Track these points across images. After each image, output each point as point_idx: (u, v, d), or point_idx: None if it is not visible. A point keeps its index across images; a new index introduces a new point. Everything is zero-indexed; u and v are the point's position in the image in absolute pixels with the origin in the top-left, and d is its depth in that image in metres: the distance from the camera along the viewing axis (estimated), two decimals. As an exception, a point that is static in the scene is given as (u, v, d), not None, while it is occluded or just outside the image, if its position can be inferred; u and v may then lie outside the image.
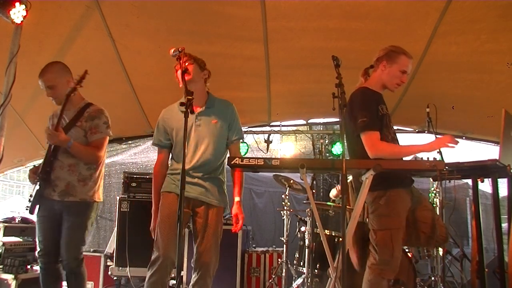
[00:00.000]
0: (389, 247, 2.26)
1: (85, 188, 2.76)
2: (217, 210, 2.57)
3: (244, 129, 5.81)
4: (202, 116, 2.57)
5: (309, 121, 6.09)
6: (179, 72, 2.39)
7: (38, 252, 2.78)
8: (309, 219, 3.85)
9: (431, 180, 4.00)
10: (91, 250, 4.90)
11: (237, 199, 2.58)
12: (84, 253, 4.62)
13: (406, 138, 5.72)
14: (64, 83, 2.81)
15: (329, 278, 2.18)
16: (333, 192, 4.51)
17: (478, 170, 2.50)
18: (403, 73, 2.46)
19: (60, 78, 2.82)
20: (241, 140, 2.78)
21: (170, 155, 2.69)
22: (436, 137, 3.18)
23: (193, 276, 2.55)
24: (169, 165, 2.66)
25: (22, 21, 3.00)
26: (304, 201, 5.05)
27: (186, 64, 2.43)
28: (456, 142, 2.29)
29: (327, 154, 5.80)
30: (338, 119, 2.44)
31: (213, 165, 2.58)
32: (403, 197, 2.36)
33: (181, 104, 2.09)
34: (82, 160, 2.74)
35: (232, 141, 2.67)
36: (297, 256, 4.04)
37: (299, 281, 3.91)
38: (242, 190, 2.62)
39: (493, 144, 5.26)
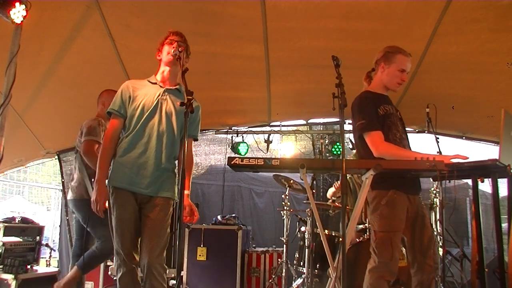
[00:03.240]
0: (388, 249, 2.26)
1: None
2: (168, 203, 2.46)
3: (244, 129, 5.84)
4: (170, 94, 2.47)
5: (309, 121, 6.09)
6: (166, 48, 2.47)
7: None
8: (309, 219, 3.85)
9: (431, 180, 4.00)
10: (91, 250, 4.90)
11: (187, 192, 2.50)
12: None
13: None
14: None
15: (329, 278, 2.18)
16: (330, 191, 4.48)
17: (478, 170, 2.49)
18: (401, 71, 2.48)
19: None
20: (194, 142, 2.65)
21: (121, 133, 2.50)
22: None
23: None
24: (121, 148, 2.39)
25: (22, 21, 2.99)
26: (304, 201, 5.06)
27: (180, 47, 2.42)
28: (464, 157, 2.29)
29: (327, 154, 5.80)
30: (338, 119, 2.44)
31: (174, 151, 2.48)
32: (404, 201, 2.35)
33: (181, 104, 2.07)
34: None
35: (190, 135, 2.55)
36: (297, 256, 4.04)
37: (299, 281, 3.91)
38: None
39: (493, 144, 5.26)
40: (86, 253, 3.29)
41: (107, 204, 2.38)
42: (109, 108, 2.47)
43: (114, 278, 4.28)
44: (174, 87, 2.51)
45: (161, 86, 2.48)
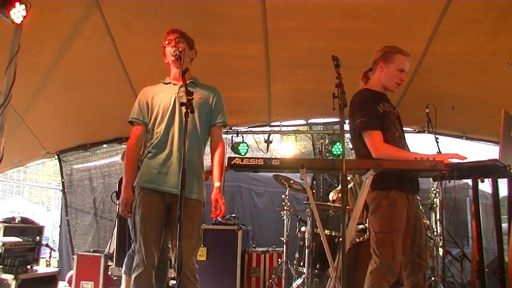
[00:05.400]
0: (389, 250, 2.25)
1: None
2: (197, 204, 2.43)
3: (244, 129, 5.83)
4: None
5: (309, 121, 6.09)
6: (168, 50, 2.50)
7: None
8: (309, 219, 3.85)
9: (431, 180, 4.00)
10: (91, 250, 4.91)
11: (217, 184, 2.42)
12: (84, 253, 4.64)
13: (406, 138, 5.73)
14: None
15: (329, 278, 2.18)
16: (331, 195, 4.47)
17: (478, 170, 2.49)
18: (400, 71, 2.46)
19: None
20: (223, 127, 2.61)
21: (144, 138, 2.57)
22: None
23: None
24: (149, 152, 2.43)
25: (22, 21, 3.00)
26: (304, 201, 5.06)
27: (178, 45, 2.44)
28: (462, 157, 2.28)
29: (327, 154, 5.80)
30: (338, 119, 2.42)
31: (200, 145, 2.47)
32: (404, 201, 2.35)
33: (181, 104, 2.08)
34: None
35: (214, 124, 2.54)
36: (297, 256, 4.04)
37: (299, 281, 3.91)
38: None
39: (493, 144, 5.26)
40: (126, 260, 3.41)
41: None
42: (130, 118, 2.53)
43: (115, 278, 4.31)
44: (189, 81, 2.48)
45: (175, 84, 2.51)
